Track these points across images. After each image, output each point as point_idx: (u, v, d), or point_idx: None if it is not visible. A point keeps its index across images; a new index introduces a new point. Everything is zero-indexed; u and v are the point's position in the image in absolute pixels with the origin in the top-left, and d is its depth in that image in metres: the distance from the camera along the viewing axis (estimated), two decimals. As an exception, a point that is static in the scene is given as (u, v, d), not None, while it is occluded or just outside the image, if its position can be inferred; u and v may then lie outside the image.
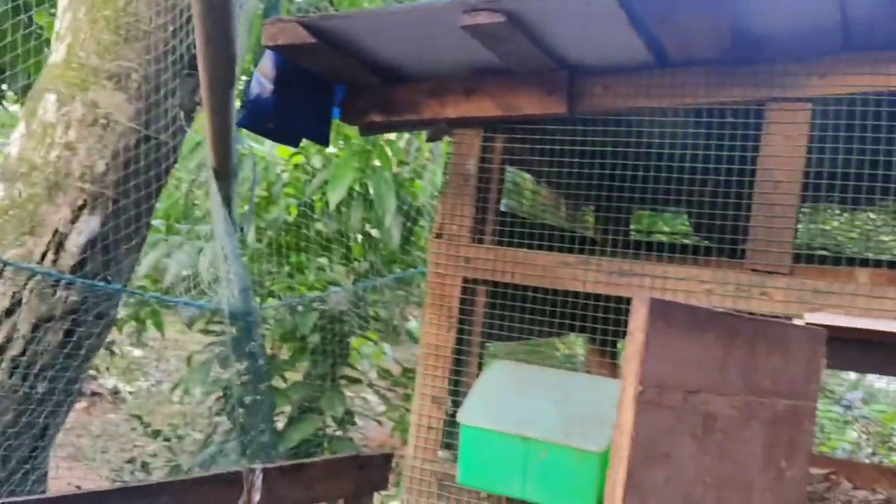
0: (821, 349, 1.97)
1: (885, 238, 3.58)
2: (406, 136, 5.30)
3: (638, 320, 1.63)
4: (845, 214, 3.63)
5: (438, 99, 2.49)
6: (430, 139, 2.86)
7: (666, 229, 5.02)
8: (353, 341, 5.24)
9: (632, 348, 1.63)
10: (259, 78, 2.52)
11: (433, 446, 2.42)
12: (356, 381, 5.16)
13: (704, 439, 1.72)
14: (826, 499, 3.08)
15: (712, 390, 1.73)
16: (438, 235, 2.51)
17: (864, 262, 3.34)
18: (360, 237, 5.23)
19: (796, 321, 2.02)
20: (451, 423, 2.36)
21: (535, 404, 2.09)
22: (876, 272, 3.11)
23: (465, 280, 2.46)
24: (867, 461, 5.73)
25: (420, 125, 2.72)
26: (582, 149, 2.47)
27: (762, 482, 1.83)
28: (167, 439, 5.34)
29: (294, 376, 5.08)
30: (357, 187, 4.89)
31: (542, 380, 2.22)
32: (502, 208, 2.93)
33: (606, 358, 3.89)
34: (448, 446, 2.40)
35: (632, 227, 4.21)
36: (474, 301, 2.49)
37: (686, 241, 3.99)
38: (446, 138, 2.82)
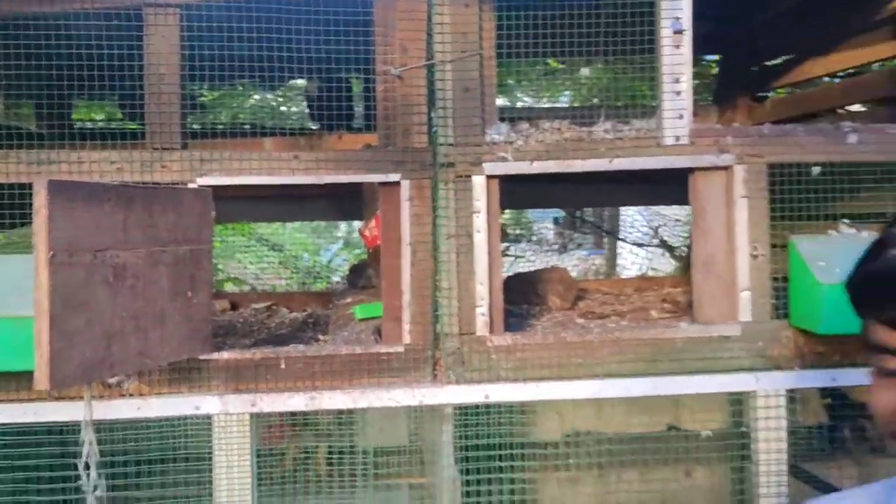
0: (209, 204, 2.57)
1: (292, 110, 4.43)
2: None
3: (40, 200, 1.99)
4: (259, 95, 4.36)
5: None
6: None
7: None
8: None
9: (38, 222, 1.99)
10: None
11: None
12: None
13: (117, 285, 2.19)
14: (265, 322, 3.90)
15: (118, 247, 2.20)
16: None
17: (274, 133, 4.12)
18: None
19: (190, 185, 2.59)
20: None
21: (-28, 288, 2.32)
22: (279, 140, 3.90)
23: None
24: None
25: None
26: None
27: (173, 308, 2.40)
28: None
29: None
30: None
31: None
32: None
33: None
34: None
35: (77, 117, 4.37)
36: None
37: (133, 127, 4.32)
38: None
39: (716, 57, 4.94)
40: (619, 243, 10.10)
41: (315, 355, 2.68)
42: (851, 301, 0.98)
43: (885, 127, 2.83)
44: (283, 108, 4.42)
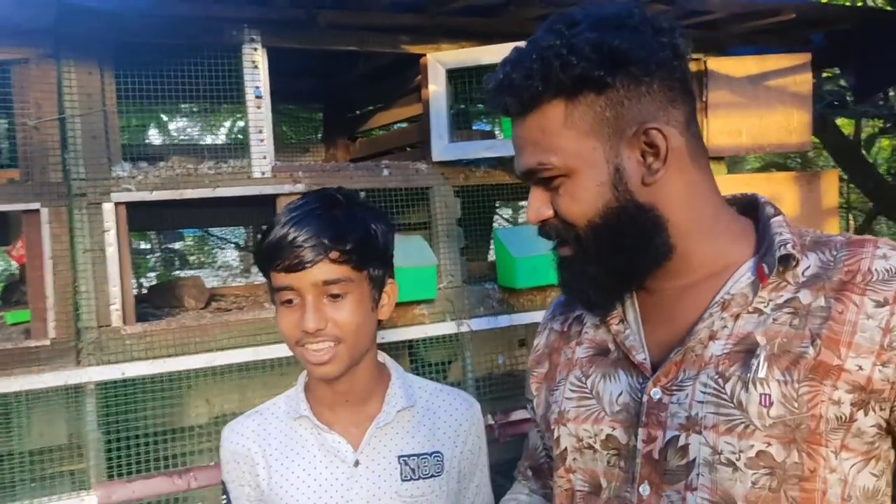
0: None
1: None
2: None
3: None
4: None
5: None
6: None
7: None
8: None
9: None
10: None
11: None
12: None
13: None
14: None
15: None
16: None
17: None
18: None
19: None
20: None
21: None
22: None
23: None
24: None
25: None
26: None
27: None
28: None
29: None
30: None
31: None
32: None
33: None
34: None
35: None
36: None
37: None
38: None
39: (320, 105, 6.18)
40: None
41: (-31, 353, 3.27)
42: (260, 263, 1.49)
43: (408, 164, 4.17)
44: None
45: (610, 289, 1.25)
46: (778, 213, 1.22)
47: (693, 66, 4.72)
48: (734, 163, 7.96)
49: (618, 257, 1.20)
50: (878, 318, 1.08)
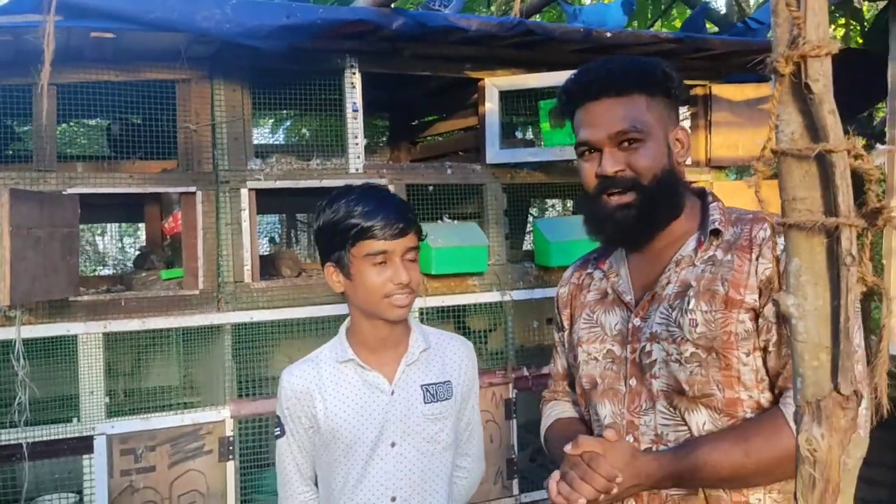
0: (77, 205, 4.17)
1: (82, 141, 5.89)
2: None
3: (3, 199, 3.55)
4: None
5: None
6: None
7: None
8: None
9: (3, 212, 3.54)
10: None
11: None
12: None
13: (37, 249, 3.76)
14: (75, 296, 5.34)
15: (37, 226, 3.77)
16: None
17: (81, 157, 5.59)
18: None
19: (63, 193, 4.16)
20: None
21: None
22: (87, 164, 5.40)
23: None
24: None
25: None
26: None
27: (61, 265, 3.98)
28: None
29: None
30: None
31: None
32: None
33: None
34: None
35: None
36: None
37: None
38: None
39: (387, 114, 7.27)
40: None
41: (144, 297, 4.38)
42: (348, 237, 1.89)
43: (466, 165, 5.24)
44: (83, 141, 5.84)
45: (651, 231, 1.69)
46: (715, 199, 1.72)
47: (700, 91, 5.77)
48: (742, 170, 9.02)
49: (667, 203, 1.66)
50: (761, 268, 1.55)
